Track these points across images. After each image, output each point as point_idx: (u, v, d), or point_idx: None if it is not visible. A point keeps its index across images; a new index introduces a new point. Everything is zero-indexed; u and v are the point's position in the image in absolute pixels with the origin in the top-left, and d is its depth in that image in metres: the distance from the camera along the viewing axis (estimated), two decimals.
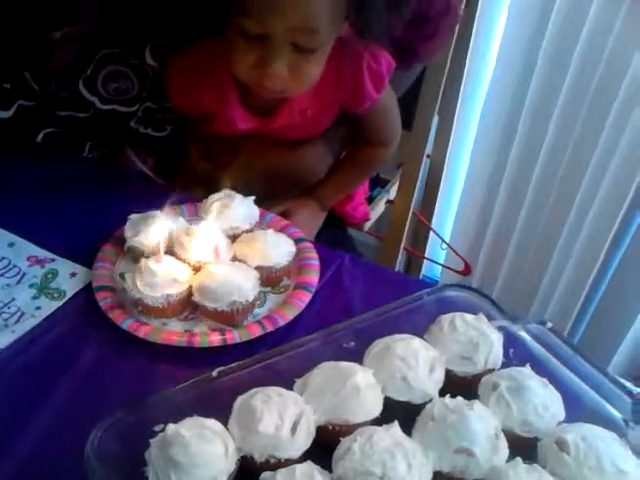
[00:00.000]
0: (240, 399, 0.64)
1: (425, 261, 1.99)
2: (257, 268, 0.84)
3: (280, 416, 0.62)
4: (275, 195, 1.08)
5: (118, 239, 0.89)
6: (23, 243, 0.91)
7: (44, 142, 1.07)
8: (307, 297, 0.84)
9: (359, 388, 0.64)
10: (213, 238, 0.82)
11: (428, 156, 1.75)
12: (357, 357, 0.70)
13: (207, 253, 0.82)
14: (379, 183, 1.67)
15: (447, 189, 1.85)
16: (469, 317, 0.73)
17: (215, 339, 0.77)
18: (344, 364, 0.67)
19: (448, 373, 0.70)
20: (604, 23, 1.42)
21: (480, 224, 1.84)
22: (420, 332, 0.73)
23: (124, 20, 0.95)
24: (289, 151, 1.09)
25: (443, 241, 1.83)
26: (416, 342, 0.69)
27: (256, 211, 0.93)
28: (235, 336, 0.78)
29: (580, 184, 1.61)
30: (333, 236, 1.20)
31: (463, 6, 1.32)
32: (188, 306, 0.82)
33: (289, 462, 0.60)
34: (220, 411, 0.64)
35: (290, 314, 0.81)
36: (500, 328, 0.73)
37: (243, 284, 0.79)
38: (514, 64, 1.59)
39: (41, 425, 0.69)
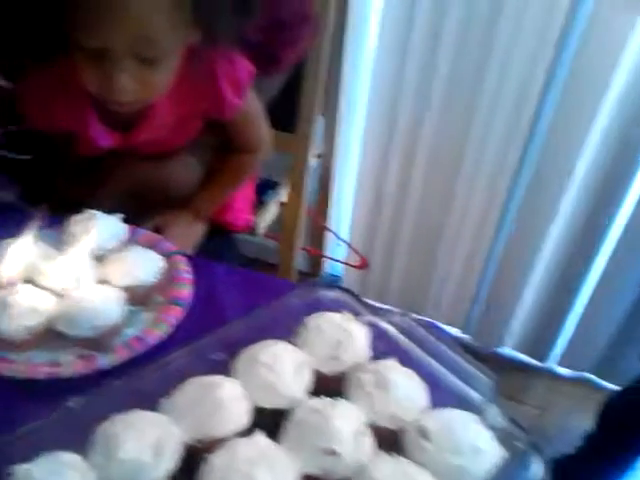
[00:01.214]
0: (100, 428, 0.62)
1: (327, 259, 2.02)
2: (125, 288, 0.81)
3: (142, 439, 0.60)
4: (148, 211, 1.05)
5: None
6: None
7: None
8: (179, 313, 0.82)
9: (222, 401, 0.63)
10: (73, 262, 0.80)
11: (319, 156, 1.77)
12: (227, 370, 0.70)
13: (68, 278, 0.79)
14: (270, 186, 1.68)
15: (341, 187, 1.88)
16: (335, 316, 0.73)
17: (80, 367, 0.74)
18: (209, 378, 0.66)
19: (317, 374, 0.70)
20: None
21: (374, 218, 1.87)
22: (290, 336, 0.73)
23: None
24: (156, 165, 1.07)
25: (339, 238, 1.85)
26: (281, 347, 0.69)
27: (123, 229, 0.91)
28: (102, 362, 0.75)
29: (462, 171, 1.67)
30: (218, 245, 1.18)
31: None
32: (51, 335, 0.78)
33: None
34: (81, 444, 0.61)
35: (160, 332, 0.79)
36: (367, 323, 0.75)
37: (105, 307, 0.76)
38: (392, 55, 1.62)
39: None
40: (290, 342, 0.72)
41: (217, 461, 0.58)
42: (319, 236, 1.93)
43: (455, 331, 1.93)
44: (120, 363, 0.76)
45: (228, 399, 0.63)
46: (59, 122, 0.97)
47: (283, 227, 1.68)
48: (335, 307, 0.76)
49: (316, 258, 2.02)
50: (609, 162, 1.51)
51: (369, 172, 1.82)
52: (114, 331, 0.78)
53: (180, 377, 0.68)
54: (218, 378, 0.66)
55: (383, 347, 0.73)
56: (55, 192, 1.09)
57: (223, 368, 0.70)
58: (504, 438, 0.63)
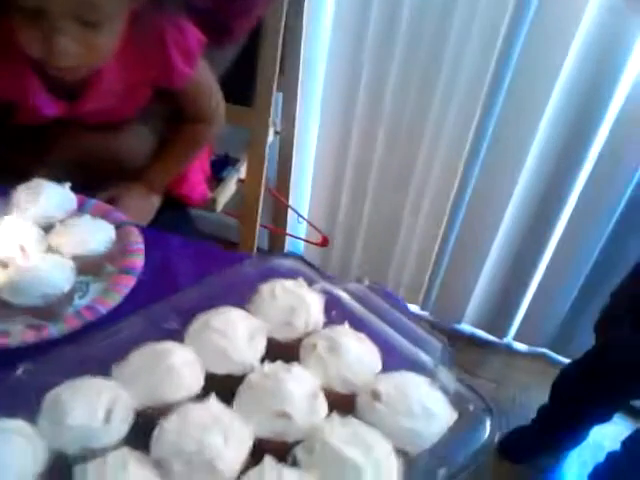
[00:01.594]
0: (49, 394, 0.61)
1: (288, 237, 2.01)
2: (74, 258, 0.80)
3: (91, 405, 0.59)
4: (100, 182, 1.02)
5: None
6: None
7: None
8: (130, 281, 0.81)
9: (173, 366, 0.62)
10: (19, 231, 0.78)
11: (278, 133, 1.76)
12: (180, 337, 0.69)
13: (14, 248, 0.77)
14: (228, 162, 1.66)
15: (300, 164, 1.87)
16: (289, 283, 0.73)
17: (30, 336, 0.73)
18: (161, 345, 0.66)
19: (271, 341, 0.70)
20: None
21: (334, 196, 1.87)
22: (244, 303, 0.73)
23: None
24: (105, 135, 1.04)
25: (299, 216, 1.85)
26: (234, 313, 0.69)
27: (72, 198, 0.88)
28: (52, 331, 0.74)
29: (419, 149, 1.68)
30: (173, 219, 1.17)
31: None
32: (2, 306, 0.76)
33: (107, 451, 0.58)
34: (30, 411, 0.60)
35: (112, 301, 0.78)
36: (322, 291, 0.75)
37: (54, 275, 0.75)
38: (349, 30, 1.61)
39: None
40: (244, 309, 0.72)
41: (169, 426, 0.57)
42: (280, 214, 1.92)
43: (414, 308, 1.96)
44: (71, 332, 0.74)
45: (180, 365, 0.63)
46: None
47: (243, 204, 1.67)
48: (289, 275, 0.76)
49: (277, 236, 2.02)
50: (562, 140, 1.54)
51: (329, 149, 1.82)
52: (64, 300, 0.77)
53: (132, 344, 0.67)
54: (170, 344, 0.66)
55: (337, 314, 0.74)
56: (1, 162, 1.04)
57: (176, 336, 0.69)
58: (456, 401, 0.64)
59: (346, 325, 0.70)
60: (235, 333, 0.66)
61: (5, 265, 0.77)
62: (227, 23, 1.06)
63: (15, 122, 0.98)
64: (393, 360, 0.69)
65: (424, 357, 0.68)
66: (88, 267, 0.81)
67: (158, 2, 0.87)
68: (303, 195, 1.95)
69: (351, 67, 1.65)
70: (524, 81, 1.48)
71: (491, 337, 1.95)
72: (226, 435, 0.57)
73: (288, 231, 1.96)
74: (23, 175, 0.89)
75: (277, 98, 1.63)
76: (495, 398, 1.76)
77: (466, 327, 1.96)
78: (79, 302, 0.79)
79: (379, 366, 0.67)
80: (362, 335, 0.69)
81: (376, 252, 1.90)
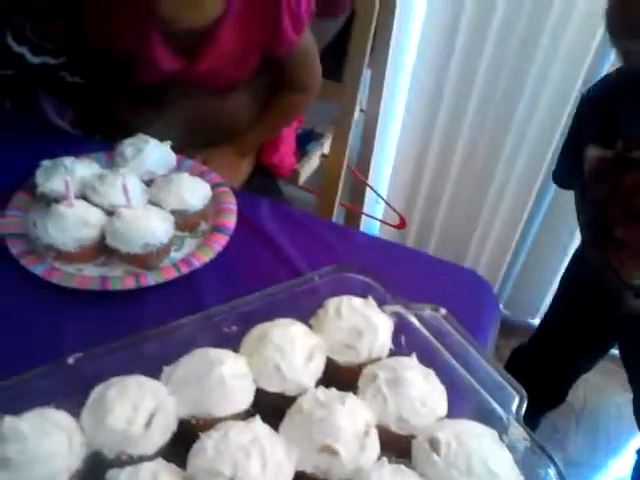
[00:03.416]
0: (96, 389, 0.59)
1: (363, 217, 1.95)
2: (172, 212, 0.83)
3: (134, 408, 0.57)
4: (197, 143, 1.06)
5: (30, 186, 0.88)
6: None
7: None
8: (223, 240, 0.84)
9: (224, 378, 0.59)
10: (125, 182, 0.80)
11: (362, 111, 1.70)
12: (237, 343, 0.66)
13: (119, 197, 0.81)
14: (313, 137, 1.63)
15: (382, 144, 1.80)
16: (358, 302, 0.68)
17: (129, 282, 0.76)
18: (214, 351, 0.62)
19: (330, 362, 0.65)
20: None
21: (415, 178, 1.80)
22: (308, 316, 0.69)
23: None
24: (215, 99, 1.07)
25: (379, 196, 1.79)
26: (295, 328, 0.65)
27: (172, 157, 0.93)
28: (149, 278, 0.77)
29: (507, 136, 1.58)
30: (262, 186, 1.18)
31: None
32: (103, 252, 0.81)
33: (144, 459, 0.56)
34: (75, 403, 0.59)
35: (206, 256, 0.81)
36: (393, 314, 0.69)
37: (156, 226, 0.78)
38: (443, 13, 1.52)
39: None
40: (306, 323, 0.67)
41: (208, 442, 0.54)
42: (358, 193, 1.86)
43: None
44: (165, 281, 0.78)
45: (231, 378, 0.59)
46: (123, 41, 0.96)
47: (323, 180, 1.63)
48: (361, 292, 0.71)
49: (350, 215, 1.96)
50: None
51: (412, 131, 1.74)
52: (162, 251, 0.80)
53: (188, 345, 0.64)
54: (223, 353, 0.62)
55: (406, 341, 0.68)
56: (109, 117, 1.10)
57: (233, 341, 0.66)
58: (525, 463, 0.57)
59: (414, 357, 0.64)
60: (293, 351, 0.62)
61: (110, 213, 0.81)
62: None
63: (134, 79, 1.02)
64: (460, 404, 0.63)
65: (495, 406, 0.61)
66: (185, 222, 0.85)
67: None
68: (382, 175, 1.89)
69: (442, 48, 1.56)
70: None
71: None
72: (265, 461, 0.54)
73: (365, 210, 1.90)
74: (130, 131, 0.93)
75: (365, 75, 1.58)
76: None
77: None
78: (175, 255, 0.83)
79: (444, 410, 0.61)
80: (430, 371, 0.63)
81: (453, 241, 1.82)
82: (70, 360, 0.61)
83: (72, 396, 0.59)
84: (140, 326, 0.65)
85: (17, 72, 0.99)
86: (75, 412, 0.58)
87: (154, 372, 0.62)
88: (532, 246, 1.73)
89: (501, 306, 1.86)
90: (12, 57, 0.96)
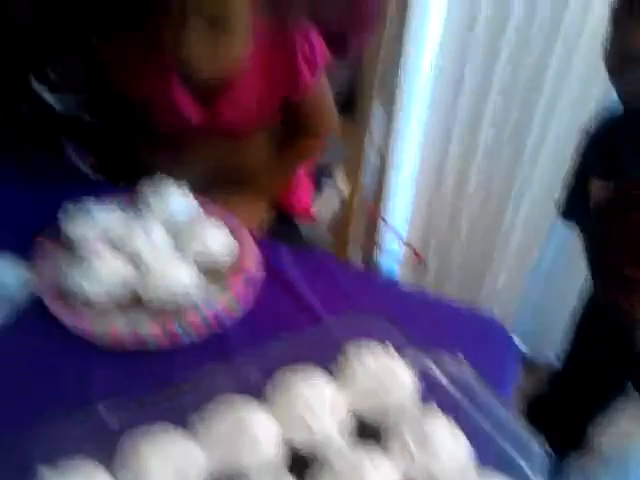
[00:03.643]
0: (128, 441, 0.60)
1: (378, 250, 1.98)
2: (198, 262, 0.84)
3: (167, 462, 0.58)
4: (215, 187, 1.06)
5: (54, 231, 0.88)
6: None
7: None
8: (251, 293, 0.85)
9: (255, 435, 0.60)
10: (152, 231, 0.83)
11: (377, 150, 1.73)
12: (261, 392, 0.67)
13: (145, 245, 0.82)
14: (325, 174, 1.64)
15: (397, 181, 1.83)
16: (377, 348, 0.69)
17: (164, 342, 0.78)
18: (244, 405, 0.63)
19: (356, 413, 0.66)
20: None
21: (431, 215, 1.83)
22: (329, 362, 0.70)
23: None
24: (234, 145, 1.08)
25: (399, 238, 1.81)
26: (320, 381, 0.65)
27: (195, 203, 0.94)
28: (183, 338, 0.79)
29: (517, 175, 1.63)
30: (281, 230, 1.19)
31: None
32: (132, 302, 0.81)
33: None
34: (106, 453, 0.59)
35: (235, 312, 0.83)
36: (412, 362, 0.70)
37: (184, 278, 0.80)
38: (452, 51, 1.56)
39: None
40: (329, 370, 0.68)
41: None
42: (375, 231, 1.89)
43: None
44: (201, 341, 0.79)
45: (261, 433, 0.60)
46: (143, 85, 0.97)
47: (339, 219, 1.64)
48: (379, 337, 0.72)
49: (369, 251, 1.98)
50: None
51: (427, 169, 1.77)
52: (190, 303, 0.80)
53: (214, 393, 0.65)
54: (252, 407, 0.63)
55: (427, 389, 0.69)
56: (129, 161, 1.11)
57: (258, 390, 0.67)
58: None
59: (437, 409, 0.65)
60: (320, 404, 0.63)
61: (136, 261, 0.82)
62: (348, 39, 1.10)
63: (156, 126, 1.03)
64: (483, 457, 0.63)
65: (519, 461, 0.62)
66: (210, 273, 0.85)
67: (289, 14, 0.92)
68: (397, 212, 1.91)
69: (454, 86, 1.60)
70: None
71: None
72: None
73: (381, 247, 1.92)
74: (149, 175, 0.95)
75: (378, 113, 1.61)
76: None
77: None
78: (202, 307, 0.82)
79: (470, 464, 0.62)
80: (453, 425, 0.64)
81: (470, 275, 1.84)
82: (100, 407, 0.62)
83: (100, 446, 0.60)
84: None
85: (38, 114, 1.00)
86: (104, 462, 0.59)
87: (182, 421, 0.63)
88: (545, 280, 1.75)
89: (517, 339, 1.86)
90: (33, 96, 0.98)
